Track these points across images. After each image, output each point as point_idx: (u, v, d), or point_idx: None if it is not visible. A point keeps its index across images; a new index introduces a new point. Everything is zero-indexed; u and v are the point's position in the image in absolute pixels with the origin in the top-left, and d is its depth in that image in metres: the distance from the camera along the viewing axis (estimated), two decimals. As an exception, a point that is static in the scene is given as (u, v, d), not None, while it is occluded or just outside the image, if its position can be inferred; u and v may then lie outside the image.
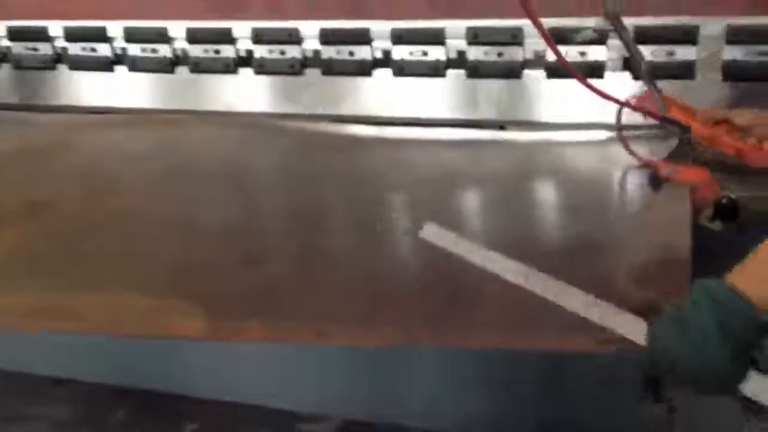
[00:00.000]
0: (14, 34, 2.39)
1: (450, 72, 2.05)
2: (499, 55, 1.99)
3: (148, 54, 2.28)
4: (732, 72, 1.79)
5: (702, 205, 1.54)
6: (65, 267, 1.46)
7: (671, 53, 1.82)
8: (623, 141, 1.69)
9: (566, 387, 1.86)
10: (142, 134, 2.24)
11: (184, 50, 2.27)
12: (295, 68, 2.16)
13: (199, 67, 2.24)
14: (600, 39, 1.81)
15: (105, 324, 1.28)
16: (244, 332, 1.23)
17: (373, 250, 1.47)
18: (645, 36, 1.82)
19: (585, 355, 1.11)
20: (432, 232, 1.20)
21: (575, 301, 1.06)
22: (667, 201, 1.50)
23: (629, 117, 1.70)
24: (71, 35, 2.34)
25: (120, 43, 2.31)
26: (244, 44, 2.21)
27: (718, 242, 1.65)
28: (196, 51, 2.24)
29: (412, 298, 1.25)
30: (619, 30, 1.66)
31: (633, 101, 1.67)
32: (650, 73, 1.66)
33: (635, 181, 1.63)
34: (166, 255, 1.49)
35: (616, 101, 1.69)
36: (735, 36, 1.77)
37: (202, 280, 1.38)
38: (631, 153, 1.68)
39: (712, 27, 1.80)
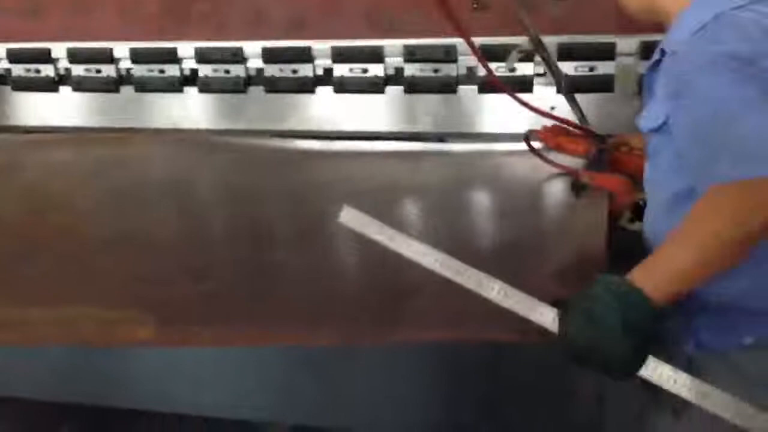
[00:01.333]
0: (-45, 57, 2.40)
1: (389, 88, 2.15)
2: (435, 71, 2.10)
3: (93, 74, 2.31)
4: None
5: (620, 209, 1.66)
6: (11, 283, 1.48)
7: (592, 68, 1.96)
8: (537, 154, 1.82)
9: (502, 383, 1.96)
10: (88, 153, 2.27)
11: (128, 70, 2.31)
12: (239, 86, 2.23)
13: (144, 86, 2.30)
14: (528, 57, 1.93)
15: (55, 334, 1.32)
16: (193, 337, 1.29)
17: (315, 258, 1.54)
18: (568, 52, 1.96)
19: (516, 349, 1.19)
20: (350, 217, 1.23)
21: (494, 289, 1.12)
22: (586, 207, 1.62)
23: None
24: (14, 57, 2.36)
25: (64, 63, 2.34)
26: (189, 64, 2.26)
27: (637, 241, 1.79)
28: (141, 71, 2.28)
29: (351, 301, 1.33)
30: (540, 51, 1.79)
31: (542, 131, 1.80)
32: (570, 91, 1.79)
33: (559, 189, 1.75)
34: (114, 270, 1.53)
35: (545, 114, 1.81)
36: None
37: (151, 292, 1.42)
38: (550, 163, 1.81)
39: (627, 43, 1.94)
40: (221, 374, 2.24)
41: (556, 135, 1.78)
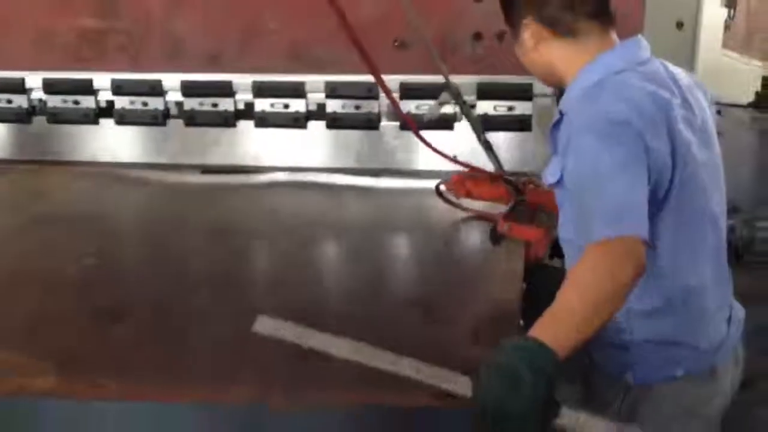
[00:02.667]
0: None
1: (311, 123, 2.14)
2: (357, 107, 2.10)
3: (3, 104, 2.23)
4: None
5: (535, 258, 1.69)
6: None
7: (511, 108, 2.00)
8: (452, 204, 1.84)
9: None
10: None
11: (41, 100, 2.23)
12: (158, 119, 2.18)
13: (57, 117, 2.22)
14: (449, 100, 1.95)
15: None
16: (98, 390, 1.23)
17: (232, 305, 1.50)
18: (486, 93, 1.99)
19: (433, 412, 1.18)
20: (265, 325, 1.23)
21: (407, 367, 1.13)
22: (504, 257, 1.65)
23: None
24: None
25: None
26: (105, 95, 2.21)
27: (556, 277, 1.81)
28: (55, 101, 2.21)
29: (265, 358, 1.29)
30: (459, 102, 1.82)
31: (449, 182, 1.82)
32: (486, 141, 1.83)
33: (478, 236, 1.77)
34: (19, 311, 1.45)
35: (450, 159, 1.84)
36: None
37: (56, 337, 1.36)
38: (466, 211, 1.83)
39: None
40: (131, 423, 2.15)
41: (463, 183, 1.81)
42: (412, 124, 1.86)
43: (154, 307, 1.49)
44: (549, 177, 1.35)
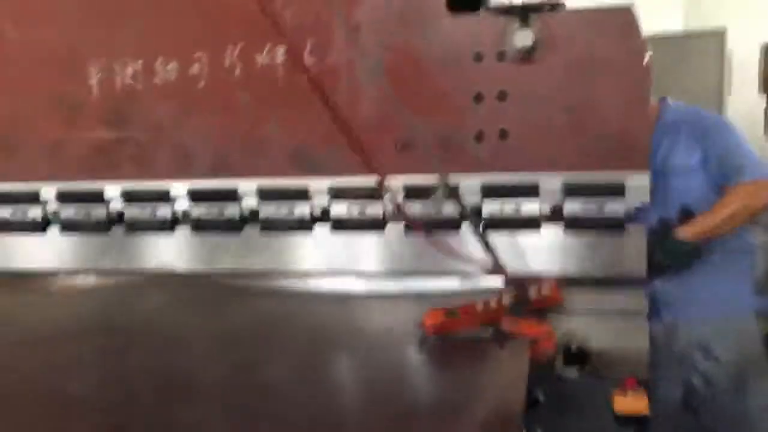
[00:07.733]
0: None
1: (316, 226, 2.10)
2: (361, 210, 2.05)
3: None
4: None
5: (542, 356, 1.61)
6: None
7: (517, 209, 1.93)
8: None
9: None
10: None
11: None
12: (166, 226, 2.18)
13: (71, 227, 2.25)
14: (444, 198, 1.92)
15: None
16: None
17: (243, 414, 1.45)
18: (491, 192, 1.93)
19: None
20: None
21: None
22: (509, 357, 1.58)
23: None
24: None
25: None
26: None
27: (575, 387, 1.72)
28: (68, 212, 2.24)
29: None
30: (455, 199, 1.79)
31: (426, 324, 1.72)
32: (485, 240, 1.77)
33: (483, 336, 1.68)
34: None
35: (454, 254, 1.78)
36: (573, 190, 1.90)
37: None
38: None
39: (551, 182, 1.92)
40: None
41: (438, 320, 1.71)
42: (417, 225, 1.80)
43: (161, 424, 1.45)
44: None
